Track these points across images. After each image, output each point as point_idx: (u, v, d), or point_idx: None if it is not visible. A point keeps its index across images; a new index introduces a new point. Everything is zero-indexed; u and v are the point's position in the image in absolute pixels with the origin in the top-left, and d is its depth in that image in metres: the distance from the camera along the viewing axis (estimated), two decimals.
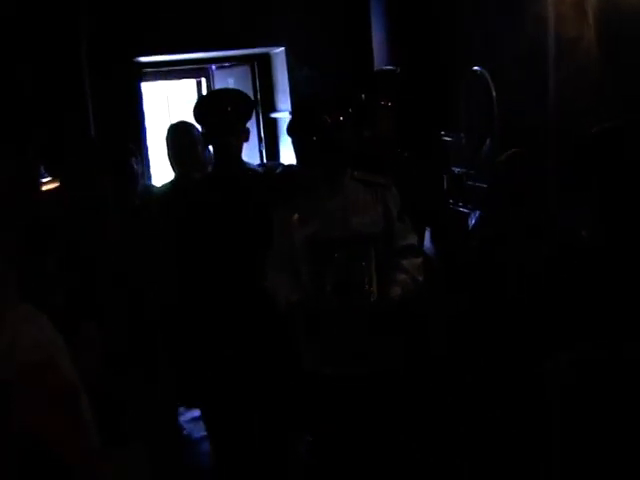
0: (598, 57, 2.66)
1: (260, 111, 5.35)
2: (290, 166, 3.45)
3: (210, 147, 3.07)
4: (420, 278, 2.47)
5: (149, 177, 4.88)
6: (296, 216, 2.43)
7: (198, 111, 2.84)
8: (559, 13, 2.76)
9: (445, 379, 2.84)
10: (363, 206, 2.46)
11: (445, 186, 3.45)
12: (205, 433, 3.32)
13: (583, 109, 2.69)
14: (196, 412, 3.61)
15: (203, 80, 5.77)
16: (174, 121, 3.58)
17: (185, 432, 3.58)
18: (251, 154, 5.04)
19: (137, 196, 3.21)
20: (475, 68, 3.37)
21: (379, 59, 4.50)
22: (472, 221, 3.20)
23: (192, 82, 6.02)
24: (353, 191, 2.47)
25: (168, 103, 7.80)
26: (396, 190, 2.51)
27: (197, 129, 3.20)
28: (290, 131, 2.62)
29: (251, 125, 3.09)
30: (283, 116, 5.17)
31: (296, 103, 2.90)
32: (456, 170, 3.46)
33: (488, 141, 3.21)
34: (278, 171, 3.44)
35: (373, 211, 2.46)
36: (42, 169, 3.25)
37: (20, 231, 1.33)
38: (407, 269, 2.45)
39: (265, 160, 5.36)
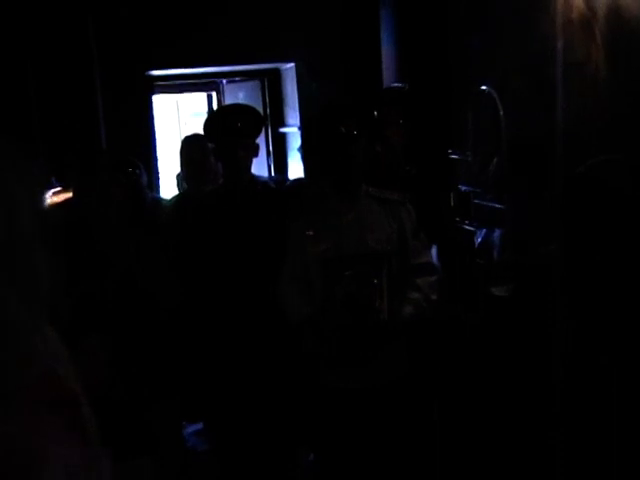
0: (606, 78, 2.68)
1: (269, 125, 5.40)
2: (299, 179, 3.47)
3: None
4: (434, 297, 2.46)
5: (158, 189, 4.91)
6: (310, 231, 2.44)
7: (208, 127, 2.88)
8: (567, 34, 2.78)
9: (450, 385, 2.85)
10: (377, 223, 2.46)
11: (452, 204, 3.46)
12: (208, 446, 3.32)
13: (591, 129, 2.70)
14: (199, 425, 3.61)
15: (214, 94, 5.83)
16: (187, 134, 3.63)
17: (189, 445, 3.59)
18: (259, 168, 5.07)
19: (145, 206, 3.25)
20: (482, 87, 3.39)
21: (388, 76, 4.54)
22: (479, 239, 3.21)
23: (203, 95, 6.07)
24: (367, 207, 2.48)
25: (179, 116, 7.87)
26: (411, 207, 2.52)
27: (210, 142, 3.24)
28: (304, 142, 2.63)
29: (260, 139, 3.12)
30: (292, 131, 5.21)
31: (311, 115, 2.91)
32: (463, 188, 3.47)
33: (495, 160, 3.22)
34: (287, 184, 3.47)
35: (387, 228, 2.46)
36: (53, 179, 3.30)
37: (23, 244, 1.34)
38: (421, 287, 2.44)
39: (273, 174, 5.39)
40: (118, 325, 2.55)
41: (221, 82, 5.66)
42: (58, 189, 3.31)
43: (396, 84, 4.08)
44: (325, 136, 2.45)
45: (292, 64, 5.06)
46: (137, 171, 3.34)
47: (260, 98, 5.43)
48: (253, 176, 3.00)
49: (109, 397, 2.26)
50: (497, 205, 3.17)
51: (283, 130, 5.41)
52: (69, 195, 3.01)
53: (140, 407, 2.55)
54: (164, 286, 2.73)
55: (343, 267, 2.35)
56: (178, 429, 3.10)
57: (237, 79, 5.57)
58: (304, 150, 3.08)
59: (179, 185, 4.00)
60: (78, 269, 2.55)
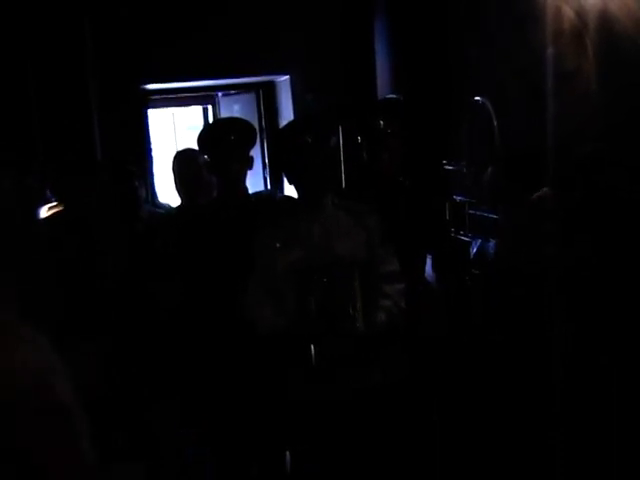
0: (597, 88, 2.70)
1: (265, 138, 5.41)
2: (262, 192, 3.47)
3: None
4: (403, 304, 2.47)
5: (155, 202, 4.91)
6: (278, 243, 2.44)
7: (202, 140, 2.88)
8: (558, 45, 2.80)
9: (449, 386, 2.85)
10: (345, 232, 2.45)
11: (447, 215, 3.47)
12: (206, 453, 3.30)
13: (583, 138, 2.72)
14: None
15: (209, 107, 5.85)
16: (180, 148, 3.63)
17: (184, 452, 3.57)
18: (255, 181, 5.08)
19: (142, 217, 3.25)
20: (477, 98, 3.41)
21: (382, 87, 4.56)
22: (474, 249, 3.21)
23: (198, 108, 6.10)
24: (334, 217, 2.47)
25: (175, 129, 7.89)
26: (378, 217, 2.52)
27: (203, 156, 3.24)
28: (273, 154, 2.64)
29: (255, 152, 3.12)
30: None
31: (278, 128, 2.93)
32: (458, 199, 3.49)
33: (489, 169, 3.23)
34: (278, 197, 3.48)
35: (356, 237, 2.45)
36: (48, 192, 3.30)
37: (19, 251, 1.34)
38: (390, 295, 2.45)
39: (269, 187, 5.40)
40: (118, 325, 2.55)
41: (216, 95, 5.69)
42: (53, 204, 3.31)
43: (391, 95, 4.10)
44: (288, 146, 2.46)
45: (287, 76, 5.09)
46: (135, 182, 3.34)
47: (255, 110, 5.46)
48: (247, 190, 3.00)
49: (109, 397, 2.26)
50: (492, 215, 3.18)
51: None
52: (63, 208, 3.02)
53: (140, 407, 2.54)
54: (164, 286, 2.73)
55: (315, 276, 2.34)
56: (177, 430, 3.07)
57: (232, 92, 5.60)
58: (272, 162, 3.09)
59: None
60: (78, 270, 2.56)
